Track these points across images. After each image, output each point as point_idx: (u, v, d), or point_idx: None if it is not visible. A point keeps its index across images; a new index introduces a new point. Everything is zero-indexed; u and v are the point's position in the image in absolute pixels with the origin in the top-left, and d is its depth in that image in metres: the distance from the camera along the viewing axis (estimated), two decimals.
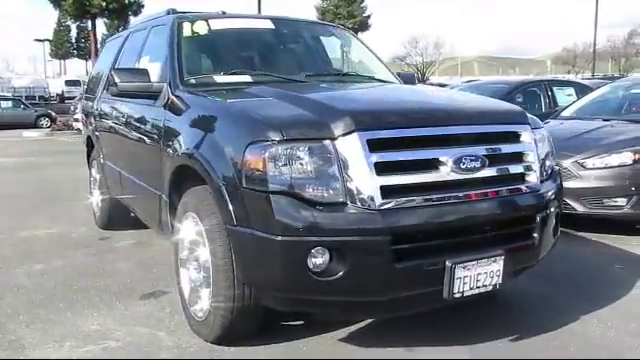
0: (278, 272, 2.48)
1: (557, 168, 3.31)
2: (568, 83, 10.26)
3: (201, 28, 3.91)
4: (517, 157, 2.89)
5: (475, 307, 3.27)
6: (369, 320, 3.22)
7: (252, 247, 2.54)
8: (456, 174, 2.62)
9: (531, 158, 2.92)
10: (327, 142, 2.49)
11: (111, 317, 3.35)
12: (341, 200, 2.47)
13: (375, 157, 2.48)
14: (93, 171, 5.72)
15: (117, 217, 5.34)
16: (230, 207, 2.60)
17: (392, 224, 2.46)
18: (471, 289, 2.63)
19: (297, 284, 2.50)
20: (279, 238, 2.43)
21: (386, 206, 2.47)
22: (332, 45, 4.56)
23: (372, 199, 2.46)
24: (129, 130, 4.16)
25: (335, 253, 2.44)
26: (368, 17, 43.45)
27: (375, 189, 2.46)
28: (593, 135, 5.66)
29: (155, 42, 4.20)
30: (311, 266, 2.43)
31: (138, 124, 3.98)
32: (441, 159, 2.61)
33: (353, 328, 3.15)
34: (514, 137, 2.92)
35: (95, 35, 33.21)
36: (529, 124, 3.01)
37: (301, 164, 2.47)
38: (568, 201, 4.90)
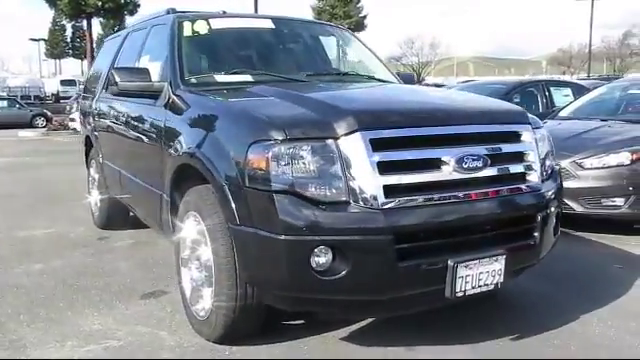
0: (281, 271, 2.48)
1: (557, 168, 3.32)
2: (565, 83, 10.29)
3: (202, 27, 3.91)
4: (518, 157, 2.90)
5: (476, 306, 3.29)
6: (370, 319, 3.22)
7: (255, 246, 2.54)
8: (458, 174, 2.64)
9: (532, 158, 2.93)
10: (330, 141, 2.50)
11: (112, 317, 3.35)
12: (344, 199, 2.47)
13: (378, 156, 2.49)
14: (91, 171, 5.71)
15: (116, 217, 5.33)
16: (233, 206, 2.60)
17: (395, 223, 2.47)
18: (473, 288, 2.64)
19: (300, 283, 2.51)
20: (282, 237, 2.43)
21: (389, 205, 2.48)
22: (332, 45, 4.57)
23: (375, 198, 2.46)
24: (129, 129, 4.15)
25: (338, 252, 2.45)
26: (364, 17, 43.47)
27: (378, 188, 2.47)
28: (591, 135, 5.68)
29: (155, 41, 4.20)
30: (314, 265, 2.44)
31: (138, 123, 3.97)
32: (443, 159, 2.62)
33: (354, 327, 3.16)
34: (515, 137, 2.93)
35: (91, 35, 33.03)
36: (530, 124, 3.02)
37: (304, 163, 2.47)
38: (566, 201, 4.91)
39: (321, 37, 4.55)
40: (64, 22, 60.65)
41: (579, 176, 5.16)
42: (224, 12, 4.38)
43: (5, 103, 24.66)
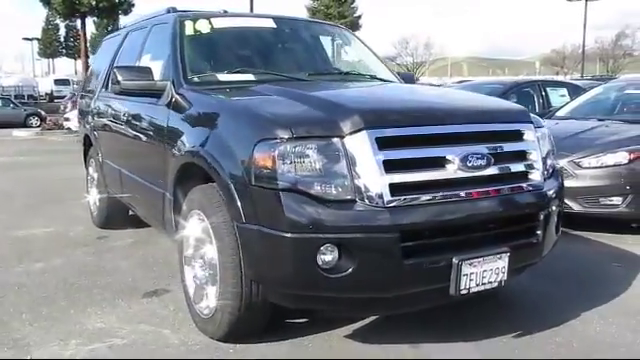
0: (287, 269, 2.50)
1: (559, 166, 3.35)
2: (561, 84, 10.35)
3: (203, 27, 3.92)
4: (521, 155, 2.93)
5: (478, 304, 3.31)
6: (373, 317, 3.24)
7: (261, 244, 2.55)
8: (462, 172, 2.66)
9: (534, 156, 2.96)
10: (336, 140, 2.51)
11: (115, 315, 3.35)
12: (350, 197, 2.49)
13: (383, 155, 2.50)
14: (90, 170, 5.70)
15: (115, 216, 5.32)
16: (239, 204, 2.61)
17: (400, 221, 2.49)
18: (477, 285, 2.66)
19: (306, 281, 2.52)
20: (289, 235, 2.44)
21: (394, 203, 2.50)
22: (333, 44, 4.59)
23: (381, 196, 2.48)
24: (130, 128, 4.15)
25: (344, 250, 2.46)
26: (359, 17, 43.54)
27: (384, 187, 2.48)
28: (588, 135, 5.72)
29: (156, 41, 4.20)
30: (320, 263, 2.45)
31: (140, 122, 3.97)
32: (448, 157, 2.64)
33: (357, 325, 3.17)
34: (518, 136, 2.96)
35: (85, 34, 32.98)
36: (532, 123, 3.05)
37: (310, 162, 2.48)
38: (565, 200, 4.94)
39: (322, 36, 4.57)
40: (58, 21, 60.40)
41: (577, 175, 5.20)
42: (225, 11, 4.39)
43: None
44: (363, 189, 2.48)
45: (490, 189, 2.75)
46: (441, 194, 2.61)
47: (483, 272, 2.65)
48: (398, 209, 2.50)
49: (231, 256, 2.69)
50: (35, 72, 72.82)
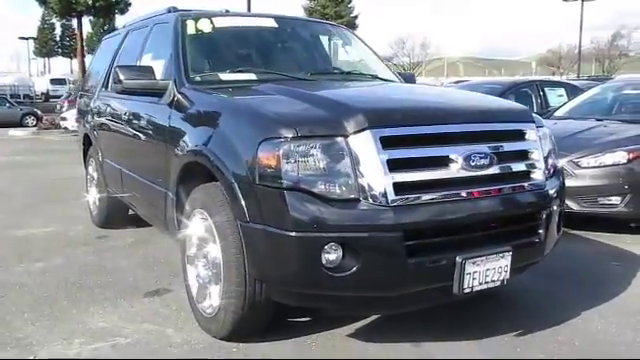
0: (292, 268, 2.50)
1: (560, 166, 3.36)
2: (559, 84, 10.38)
3: (205, 26, 3.92)
4: (524, 155, 2.94)
5: (479, 303, 3.33)
6: (375, 316, 3.25)
7: (265, 243, 2.56)
8: (466, 171, 2.67)
9: (536, 156, 2.97)
10: (340, 139, 2.52)
11: (117, 314, 3.35)
12: (354, 197, 2.49)
13: (387, 154, 2.51)
14: (90, 169, 5.69)
15: (115, 215, 5.32)
16: (243, 203, 2.62)
17: (404, 220, 2.50)
18: (480, 284, 2.67)
19: (310, 280, 2.53)
20: (293, 234, 2.45)
21: (398, 202, 2.51)
22: (334, 44, 4.60)
23: (385, 195, 2.49)
24: (131, 128, 4.15)
25: (348, 249, 2.47)
26: (355, 17, 43.52)
27: (388, 186, 2.49)
28: (587, 135, 5.74)
29: (157, 40, 4.20)
30: (324, 262, 2.46)
31: (141, 122, 3.97)
32: (451, 156, 2.65)
33: (360, 324, 3.18)
34: (521, 135, 2.97)
35: (81, 33, 32.81)
36: (534, 122, 3.07)
37: (314, 161, 2.49)
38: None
39: (323, 36, 4.58)
40: (53, 20, 60.08)
41: (576, 175, 5.22)
42: (227, 11, 4.39)
43: None
44: (367, 188, 2.49)
45: (493, 188, 2.76)
46: (444, 193, 2.62)
47: (486, 271, 2.67)
48: (402, 208, 2.51)
49: (235, 255, 2.70)
50: (31, 71, 72.53)
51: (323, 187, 2.48)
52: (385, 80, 4.10)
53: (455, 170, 2.65)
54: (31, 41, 69.63)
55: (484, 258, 2.65)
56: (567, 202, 5.04)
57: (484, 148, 2.74)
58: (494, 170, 2.76)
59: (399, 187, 2.52)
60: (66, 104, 22.72)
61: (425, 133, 2.66)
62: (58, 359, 2.84)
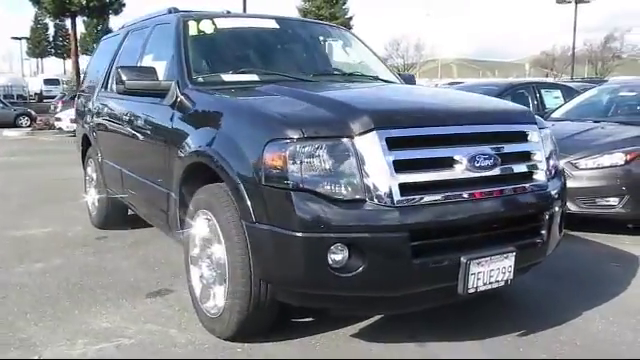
0: (298, 268, 2.51)
1: (561, 167, 3.39)
2: (555, 86, 10.42)
3: (207, 27, 3.92)
4: (527, 156, 2.97)
5: (482, 304, 3.35)
6: (378, 316, 3.26)
7: (271, 243, 2.56)
8: (470, 172, 2.69)
9: (539, 157, 2.99)
10: (346, 140, 2.53)
11: (120, 315, 3.35)
12: (360, 197, 2.50)
13: (393, 155, 2.53)
14: (89, 170, 5.67)
15: (114, 216, 5.31)
16: (248, 204, 2.62)
17: (410, 221, 2.51)
18: (484, 285, 2.69)
19: (316, 280, 2.53)
20: (300, 234, 2.46)
21: (404, 203, 2.52)
22: (335, 45, 4.61)
23: (391, 196, 2.50)
24: (133, 128, 4.14)
25: (354, 249, 2.48)
26: (350, 19, 43.55)
27: (394, 186, 2.50)
28: (584, 136, 5.77)
29: (159, 41, 4.20)
30: (330, 262, 2.47)
31: (143, 122, 3.97)
32: (456, 157, 2.67)
33: (363, 324, 3.19)
34: (524, 136, 3.00)
35: (75, 34, 32.64)
36: (537, 124, 3.09)
37: (321, 162, 2.50)
38: None
39: (324, 37, 4.59)
40: (47, 21, 59.84)
41: (574, 176, 5.24)
42: (228, 12, 4.40)
43: None
44: (373, 189, 2.50)
45: (497, 189, 2.78)
46: (449, 194, 2.63)
47: (490, 271, 2.68)
48: (408, 209, 2.53)
49: (240, 255, 2.70)
50: (24, 72, 72.13)
51: (329, 188, 2.49)
52: (386, 81, 4.12)
53: (460, 171, 2.67)
54: (24, 41, 69.29)
55: (488, 259, 2.66)
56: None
57: (488, 149, 2.76)
58: (498, 171, 2.78)
59: (405, 188, 2.53)
60: (60, 104, 22.62)
61: (430, 134, 2.68)
62: (63, 359, 2.84)
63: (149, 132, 3.87)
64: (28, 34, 70.48)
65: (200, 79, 3.58)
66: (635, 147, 5.27)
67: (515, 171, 2.88)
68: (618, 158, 5.24)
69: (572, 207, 5.21)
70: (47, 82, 45.35)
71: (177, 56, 3.69)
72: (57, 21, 43.75)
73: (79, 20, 34.11)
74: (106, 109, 4.88)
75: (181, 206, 3.32)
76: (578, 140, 5.66)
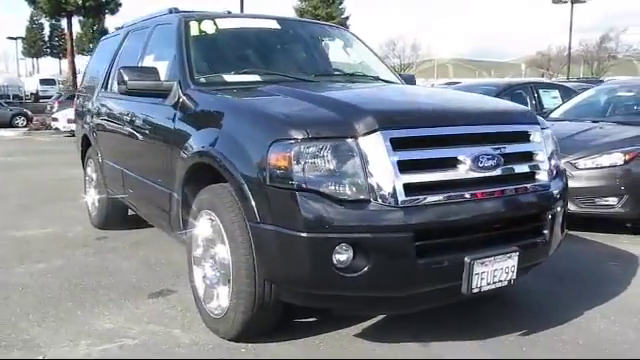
0: (303, 268, 2.51)
1: (563, 167, 3.40)
2: (553, 86, 10.45)
3: (208, 27, 3.92)
4: (529, 156, 2.98)
5: (484, 304, 3.36)
6: (381, 316, 3.27)
7: (276, 244, 2.57)
8: (474, 172, 2.69)
9: (542, 157, 3.01)
10: (350, 140, 2.54)
11: (122, 316, 3.35)
12: (364, 197, 2.51)
13: (398, 155, 2.53)
14: (89, 170, 5.66)
15: (114, 217, 5.31)
16: (253, 204, 2.63)
17: (414, 221, 2.52)
18: (488, 284, 2.70)
19: (321, 280, 2.54)
20: (305, 234, 2.46)
21: (408, 203, 2.53)
22: (336, 45, 4.62)
23: (395, 196, 2.51)
24: (134, 128, 4.14)
25: (359, 249, 2.48)
26: (346, 19, 43.57)
27: (398, 186, 2.51)
28: (583, 137, 5.79)
29: (160, 41, 4.20)
30: (335, 262, 2.47)
31: (145, 123, 3.96)
32: (459, 158, 2.68)
33: (367, 324, 3.20)
34: (527, 137, 3.01)
35: (71, 33, 32.60)
36: (539, 124, 3.10)
37: (325, 162, 2.51)
38: None
39: (325, 38, 4.60)
40: (42, 20, 59.72)
41: (573, 176, 5.25)
42: (229, 12, 4.40)
43: None
44: (377, 189, 2.51)
45: (500, 189, 2.79)
46: (453, 194, 2.64)
47: (494, 271, 2.69)
48: (412, 209, 2.53)
49: (244, 256, 2.70)
50: (19, 72, 71.91)
51: (334, 188, 2.50)
52: (388, 82, 4.13)
53: (464, 171, 2.67)
54: (19, 41, 69.10)
55: (492, 258, 2.67)
56: None
57: (492, 150, 2.77)
58: (501, 171, 2.79)
59: (409, 188, 2.54)
60: (57, 104, 22.57)
61: (434, 135, 2.69)
62: (68, 359, 2.84)
63: (151, 132, 3.87)
64: (24, 34, 70.27)
65: (202, 79, 3.58)
66: (634, 147, 5.29)
67: (518, 171, 2.89)
68: (617, 158, 5.26)
69: (571, 207, 5.21)
70: (43, 82, 45.20)
71: (179, 56, 3.69)
72: (53, 21, 43.65)
73: (75, 20, 34.03)
74: (107, 109, 4.87)
75: (184, 206, 3.32)
76: (577, 140, 5.68)
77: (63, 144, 14.91)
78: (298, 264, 2.53)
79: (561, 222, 3.14)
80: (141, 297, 3.65)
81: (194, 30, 3.88)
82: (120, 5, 31.75)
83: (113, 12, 31.69)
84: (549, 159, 3.10)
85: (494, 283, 2.72)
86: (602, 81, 16.77)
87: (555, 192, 3.05)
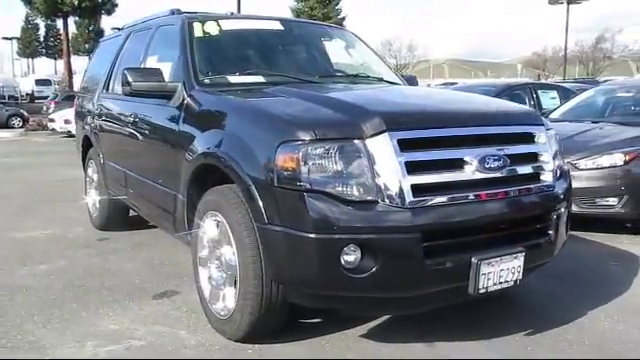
0: (311, 269, 2.52)
1: (567, 168, 3.42)
2: (552, 86, 10.49)
3: (212, 28, 3.92)
4: (535, 157, 2.99)
5: (488, 304, 3.37)
6: (386, 316, 3.27)
7: (284, 245, 2.57)
8: (480, 173, 2.71)
9: (546, 158, 3.02)
10: (357, 142, 2.55)
11: (127, 317, 3.35)
12: (372, 198, 2.52)
13: (405, 156, 2.54)
14: (90, 171, 5.65)
15: (115, 218, 5.30)
16: (260, 205, 2.63)
17: (422, 222, 2.53)
18: (494, 285, 2.71)
19: (329, 281, 2.55)
20: (313, 235, 2.47)
21: (416, 204, 2.54)
22: (339, 47, 4.63)
23: (403, 197, 2.51)
24: (137, 130, 4.14)
25: (367, 250, 2.49)
26: (343, 19, 43.60)
27: (406, 187, 2.52)
28: (583, 137, 5.81)
29: (162, 42, 4.20)
30: (343, 263, 2.48)
31: (149, 124, 3.96)
32: (466, 159, 2.69)
33: (372, 325, 3.21)
34: (532, 138, 3.02)
35: (67, 34, 32.55)
36: (544, 125, 3.12)
37: (333, 163, 2.52)
38: None
39: (328, 39, 4.60)
40: (38, 21, 59.49)
41: (574, 177, 5.23)
42: (232, 13, 4.40)
43: None
44: (385, 190, 2.51)
45: (506, 190, 2.80)
46: (460, 195, 2.65)
47: (500, 271, 2.71)
48: (419, 210, 2.54)
49: (251, 257, 2.71)
50: (15, 72, 71.67)
51: (341, 189, 2.51)
52: (391, 83, 4.14)
53: (470, 172, 2.69)
54: (14, 41, 68.87)
55: (498, 259, 2.69)
56: None
57: (498, 150, 2.78)
58: (507, 172, 2.80)
59: (416, 189, 2.55)
60: (53, 105, 22.52)
61: (441, 136, 2.70)
62: (75, 359, 2.84)
63: (155, 133, 3.86)
64: (19, 34, 70.06)
65: (207, 80, 3.58)
66: (634, 147, 5.31)
67: (524, 172, 2.91)
68: (617, 158, 5.28)
69: (572, 207, 5.23)
70: (39, 82, 44.99)
71: (183, 57, 3.69)
72: (48, 21, 43.54)
73: (71, 20, 33.97)
74: (108, 110, 4.87)
75: (189, 208, 3.32)
76: (577, 141, 5.70)
77: (60, 145, 14.88)
78: (306, 265, 2.54)
79: (566, 222, 3.15)
80: (145, 298, 3.65)
81: (198, 31, 3.88)
82: (116, 6, 31.74)
83: (109, 13, 31.69)
84: (553, 159, 3.11)
85: (500, 283, 2.73)
86: (598, 82, 16.83)
87: (560, 192, 3.07)
